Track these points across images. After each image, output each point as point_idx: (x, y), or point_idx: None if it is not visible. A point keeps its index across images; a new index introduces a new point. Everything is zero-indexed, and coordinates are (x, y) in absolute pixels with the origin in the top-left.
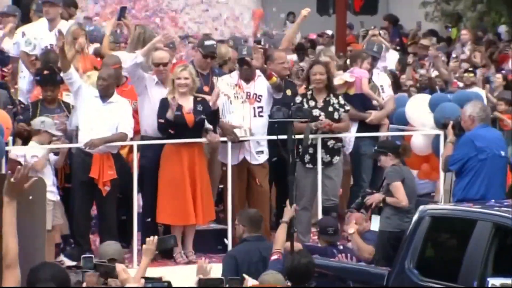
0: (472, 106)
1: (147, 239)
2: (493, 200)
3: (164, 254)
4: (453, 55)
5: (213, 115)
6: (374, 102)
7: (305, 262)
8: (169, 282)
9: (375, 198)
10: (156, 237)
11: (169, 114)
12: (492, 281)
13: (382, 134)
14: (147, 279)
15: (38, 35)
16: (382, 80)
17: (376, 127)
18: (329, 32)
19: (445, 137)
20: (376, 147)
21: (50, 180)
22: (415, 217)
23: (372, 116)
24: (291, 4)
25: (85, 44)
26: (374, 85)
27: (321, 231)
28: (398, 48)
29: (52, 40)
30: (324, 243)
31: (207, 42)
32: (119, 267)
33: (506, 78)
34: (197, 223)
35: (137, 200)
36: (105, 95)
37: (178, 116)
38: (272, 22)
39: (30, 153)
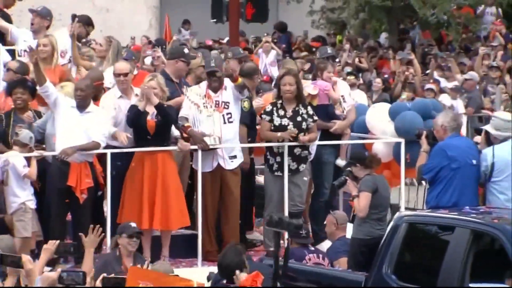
0: (443, 116)
1: (50, 240)
2: (467, 207)
3: None
4: (337, 59)
5: (163, 115)
6: (337, 112)
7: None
8: (84, 273)
9: (350, 186)
10: (58, 241)
11: (142, 106)
12: (472, 286)
13: (345, 142)
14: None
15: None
16: (343, 89)
17: (338, 136)
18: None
19: (406, 145)
20: (348, 163)
21: (30, 189)
22: (392, 223)
23: (337, 125)
24: (187, 11)
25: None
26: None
27: (293, 235)
28: (287, 54)
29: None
30: (296, 246)
31: (186, 51)
32: (25, 258)
33: (385, 82)
34: (153, 229)
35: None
36: (82, 105)
37: (141, 120)
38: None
39: (22, 163)
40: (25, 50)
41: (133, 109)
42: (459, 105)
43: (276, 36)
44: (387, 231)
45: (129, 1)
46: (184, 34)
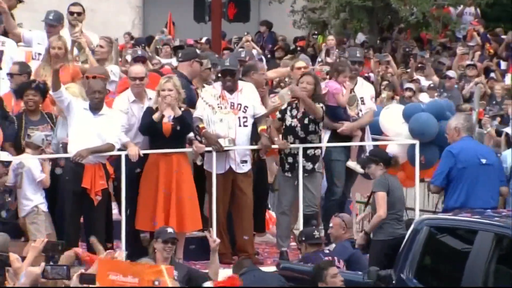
0: (456, 118)
1: (38, 239)
2: (490, 210)
3: None
4: (319, 59)
5: (182, 125)
6: (350, 113)
7: None
8: (68, 267)
9: (359, 240)
10: (45, 239)
11: (156, 116)
12: None
13: (359, 143)
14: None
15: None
16: (365, 91)
17: (348, 137)
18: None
19: (421, 146)
20: (368, 155)
21: (42, 192)
22: (412, 227)
23: (344, 126)
24: (170, 11)
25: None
26: (354, 96)
27: (308, 238)
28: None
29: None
30: (312, 249)
31: (198, 51)
32: (13, 256)
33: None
34: None
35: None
36: (98, 107)
37: (157, 124)
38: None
39: (38, 168)
40: (39, 54)
41: (148, 117)
42: None
43: (258, 36)
44: (408, 234)
45: (113, 1)
46: (167, 34)
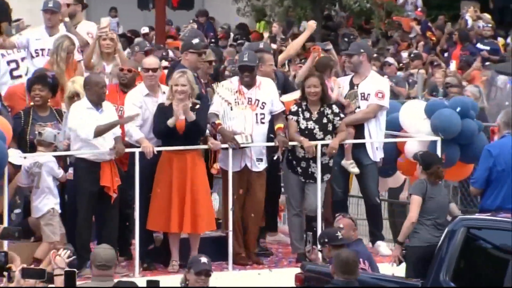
0: (500, 114)
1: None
2: None
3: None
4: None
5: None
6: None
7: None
8: (6, 252)
9: (395, 252)
10: (2, 226)
11: (171, 122)
12: None
13: (379, 140)
14: None
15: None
16: (372, 86)
17: None
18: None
19: (442, 144)
20: (417, 154)
21: (56, 193)
22: (448, 228)
23: None
24: None
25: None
26: (353, 92)
27: (331, 239)
28: (213, 41)
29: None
30: (336, 250)
31: (195, 41)
32: None
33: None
34: (183, 232)
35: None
36: (99, 103)
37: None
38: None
39: (56, 165)
40: (42, 49)
41: (161, 118)
42: None
43: (198, 26)
44: (443, 235)
45: None
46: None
